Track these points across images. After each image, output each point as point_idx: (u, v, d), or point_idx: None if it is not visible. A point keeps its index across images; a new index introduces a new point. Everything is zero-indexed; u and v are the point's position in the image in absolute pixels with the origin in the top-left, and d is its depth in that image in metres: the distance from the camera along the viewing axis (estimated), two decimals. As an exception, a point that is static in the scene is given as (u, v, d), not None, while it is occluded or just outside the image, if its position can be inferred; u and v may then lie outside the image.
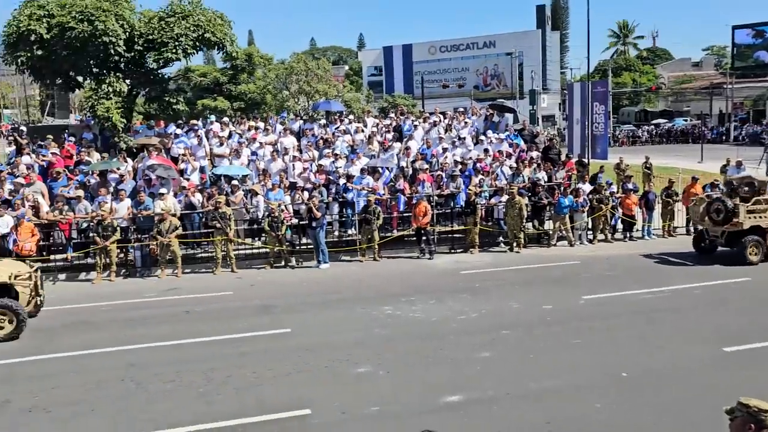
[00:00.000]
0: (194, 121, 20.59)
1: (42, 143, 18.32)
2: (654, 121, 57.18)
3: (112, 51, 18.43)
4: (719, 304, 11.41)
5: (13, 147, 19.03)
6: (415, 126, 20.65)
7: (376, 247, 15.55)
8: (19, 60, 18.57)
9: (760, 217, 14.50)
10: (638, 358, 8.88)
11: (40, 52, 18.24)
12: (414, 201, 15.87)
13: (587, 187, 17.47)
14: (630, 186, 17.96)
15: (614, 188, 18.13)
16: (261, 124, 20.61)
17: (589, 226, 17.13)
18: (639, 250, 16.21)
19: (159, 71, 20.77)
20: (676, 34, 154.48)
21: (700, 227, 15.60)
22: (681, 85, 68.57)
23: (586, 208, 16.85)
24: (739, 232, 14.47)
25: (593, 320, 10.57)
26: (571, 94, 25.71)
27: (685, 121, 56.76)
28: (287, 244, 15.41)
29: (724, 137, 49.10)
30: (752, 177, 16.02)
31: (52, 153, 17.47)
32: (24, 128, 22.30)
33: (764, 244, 14.34)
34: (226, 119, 21.42)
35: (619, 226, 17.59)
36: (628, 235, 17.47)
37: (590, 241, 17.03)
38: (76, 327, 10.99)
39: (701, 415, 6.91)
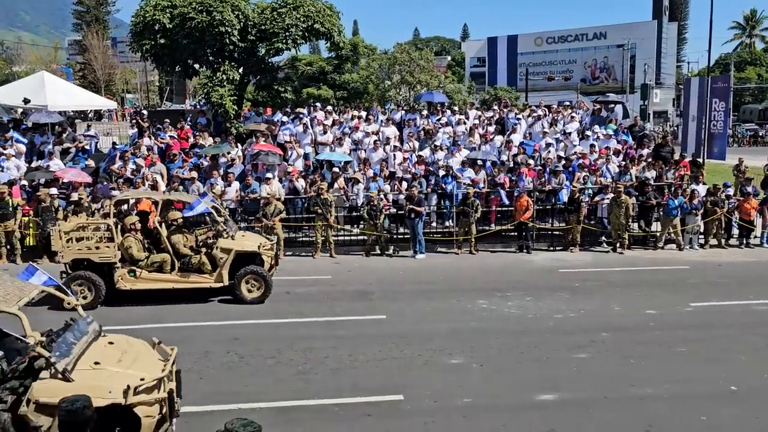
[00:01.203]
0: (300, 109, 21.30)
1: (161, 126, 19.60)
2: (780, 120, 52.76)
3: (228, 41, 19.37)
4: None
5: (135, 129, 20.50)
6: (519, 119, 20.26)
7: (473, 240, 15.47)
8: (144, 48, 19.90)
9: None
10: (749, 372, 8.35)
11: (162, 41, 19.47)
12: (515, 195, 15.62)
13: (702, 189, 16.47)
14: (749, 189, 16.75)
15: (731, 191, 16.98)
16: (363, 114, 20.97)
17: (702, 230, 16.16)
18: (756, 258, 15.14)
19: (269, 60, 21.62)
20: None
21: None
22: (814, 81, 62.76)
23: (700, 211, 15.90)
24: None
25: (701, 329, 10.03)
26: (688, 89, 24.31)
27: (817, 120, 51.95)
28: (385, 232, 15.66)
29: None
30: None
31: (169, 136, 18.67)
32: (145, 112, 23.91)
33: None
34: (329, 108, 21.97)
35: (735, 231, 16.47)
36: (744, 241, 16.32)
37: (701, 246, 16.07)
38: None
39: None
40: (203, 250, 11.45)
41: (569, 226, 15.75)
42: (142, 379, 5.65)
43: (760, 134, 47.84)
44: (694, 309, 11.10)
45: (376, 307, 11.30)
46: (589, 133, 19.02)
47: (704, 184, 17.25)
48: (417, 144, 18.59)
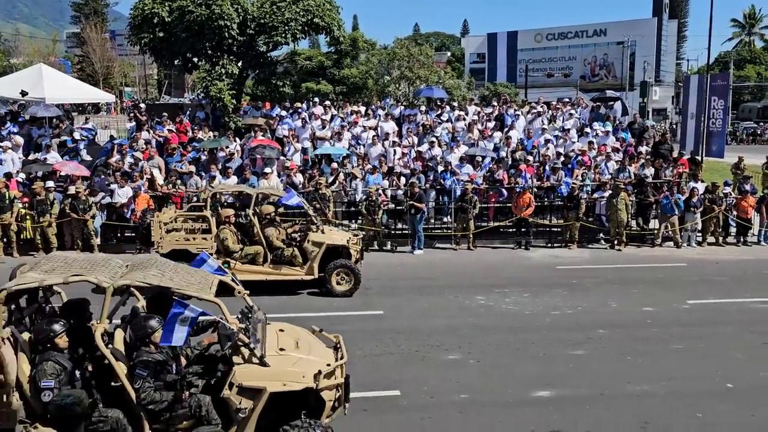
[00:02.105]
0: (298, 104, 21.26)
1: (159, 120, 19.55)
2: (779, 119, 52.75)
3: (227, 34, 19.32)
4: None
5: (134, 123, 20.46)
6: (518, 116, 20.24)
7: (471, 236, 15.47)
8: (142, 41, 19.83)
9: None
10: (746, 370, 8.37)
11: (161, 34, 19.40)
12: (518, 191, 15.60)
13: (701, 187, 16.48)
14: (747, 187, 16.76)
15: (729, 189, 16.99)
16: (362, 109, 20.95)
17: (699, 227, 16.18)
18: (754, 256, 15.16)
19: (268, 54, 21.56)
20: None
21: None
22: (813, 80, 62.77)
23: (699, 209, 15.90)
24: None
25: (698, 326, 10.04)
26: (687, 87, 24.28)
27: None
28: (383, 228, 15.65)
29: None
30: None
31: (168, 129, 18.63)
32: (143, 105, 23.84)
33: None
34: (328, 102, 21.94)
35: (733, 229, 16.48)
36: (742, 239, 16.34)
37: (699, 244, 16.09)
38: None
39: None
40: (294, 243, 11.71)
41: (568, 223, 15.76)
42: (328, 365, 5.80)
43: (759, 132, 47.88)
44: (691, 306, 11.11)
45: (374, 302, 11.30)
46: (588, 130, 19.01)
47: (703, 181, 17.28)
48: (416, 139, 18.56)
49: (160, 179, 15.91)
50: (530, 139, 18.46)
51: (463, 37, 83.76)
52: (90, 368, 5.56)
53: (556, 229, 16.27)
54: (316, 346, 6.24)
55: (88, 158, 17.55)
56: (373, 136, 18.12)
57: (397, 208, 15.94)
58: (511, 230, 15.98)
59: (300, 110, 19.84)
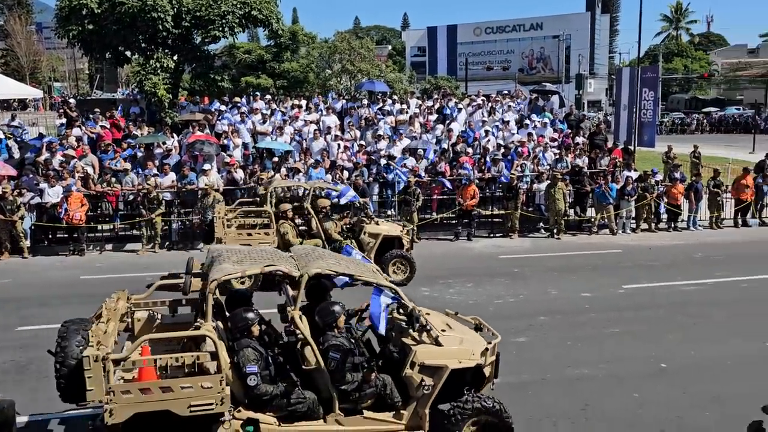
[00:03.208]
0: (238, 98, 20.85)
1: (91, 116, 18.81)
2: (705, 110, 55.33)
3: (161, 27, 18.72)
4: (764, 299, 11.09)
5: (64, 119, 19.61)
6: (459, 108, 20.48)
7: (415, 228, 15.57)
8: (70, 33, 19.00)
9: None
10: (678, 350, 8.74)
11: (90, 27, 18.65)
12: (463, 183, 15.77)
13: (634, 175, 17.10)
14: (677, 175, 17.51)
15: (660, 177, 17.69)
16: (303, 103, 20.74)
17: (633, 214, 16.79)
18: (683, 241, 15.85)
19: (205, 48, 21.04)
20: (732, 19, 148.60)
21: None
22: (735, 72, 66.00)
23: (633, 197, 16.50)
24: None
25: (633, 310, 10.42)
26: (620, 79, 25.09)
27: (738, 109, 54.75)
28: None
29: (779, 128, 47.22)
30: None
31: (100, 126, 17.95)
32: (73, 101, 22.88)
33: None
34: (268, 97, 21.62)
35: (664, 216, 17.19)
36: (672, 225, 17.07)
37: (633, 230, 16.71)
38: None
39: (741, 409, 6.78)
40: (351, 235, 11.97)
41: (508, 213, 16.07)
42: (489, 343, 6.10)
43: (687, 123, 50.07)
44: (626, 291, 11.53)
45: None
46: (527, 121, 19.43)
47: (636, 170, 17.93)
48: (358, 133, 18.53)
49: (94, 177, 15.32)
50: (471, 131, 18.71)
51: (404, 30, 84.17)
52: (279, 354, 5.82)
53: (497, 220, 16.57)
54: (462, 327, 6.49)
55: (16, 156, 16.74)
56: (315, 130, 17.98)
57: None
58: (454, 222, 16.17)
59: (239, 105, 19.46)
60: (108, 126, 18.02)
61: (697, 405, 7.17)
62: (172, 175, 15.41)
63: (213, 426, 5.17)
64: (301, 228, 12.13)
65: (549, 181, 16.09)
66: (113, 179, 15.19)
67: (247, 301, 6.22)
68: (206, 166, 15.36)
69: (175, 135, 17.64)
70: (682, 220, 17.22)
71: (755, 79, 59.46)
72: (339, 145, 17.45)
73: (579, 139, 19.13)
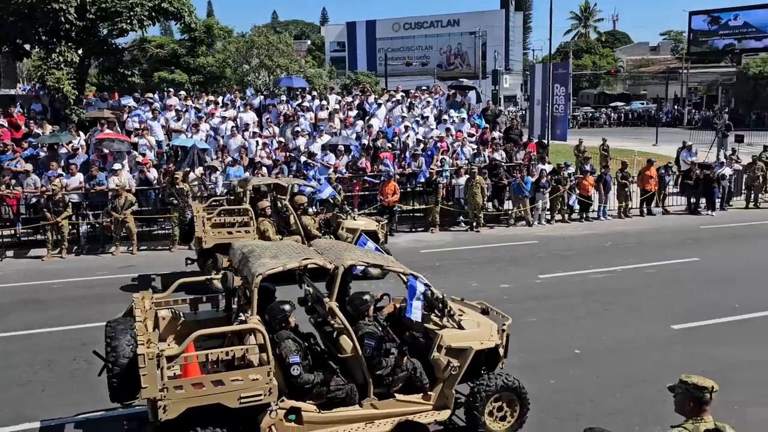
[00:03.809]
0: (150, 95, 20.03)
1: (-12, 114, 17.55)
2: (612, 104, 58.18)
3: (63, 19, 17.65)
4: (669, 284, 11.75)
5: (-43, 117, 18.17)
6: (378, 104, 20.53)
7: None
8: (-38, 26, 17.65)
9: None
10: (590, 336, 9.11)
11: (-16, 18, 17.39)
12: (382, 179, 15.80)
13: (548, 168, 17.71)
14: (587, 168, 18.28)
15: (572, 169, 18.42)
16: (219, 99, 20.18)
17: (548, 206, 17.41)
18: (594, 231, 16.57)
19: (113, 41, 20.05)
20: (636, 18, 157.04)
21: None
22: (639, 68, 69.83)
23: (547, 189, 17.09)
24: None
25: (548, 299, 10.78)
26: (533, 75, 25.96)
27: (642, 104, 57.91)
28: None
29: (678, 121, 50.33)
30: None
31: (-2, 124, 16.77)
32: (-32, 98, 21.27)
33: None
34: (183, 93, 20.89)
35: (576, 206, 17.92)
36: (584, 215, 17.82)
37: (548, 222, 17.31)
38: (26, 305, 10.67)
39: (651, 391, 7.15)
40: (329, 230, 11.99)
41: (428, 207, 16.27)
42: (504, 324, 6.56)
43: (596, 117, 52.50)
44: (542, 281, 11.92)
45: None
46: (445, 117, 19.72)
47: (549, 163, 18.58)
48: (277, 130, 18.22)
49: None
50: (391, 127, 18.81)
51: (323, 25, 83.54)
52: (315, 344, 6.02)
53: (418, 215, 16.75)
54: (472, 311, 6.86)
55: None
56: (232, 127, 17.53)
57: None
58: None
59: (152, 101, 18.69)
60: (6, 124, 16.86)
61: (609, 388, 7.49)
62: (79, 176, 14.62)
63: (258, 416, 5.30)
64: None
65: (468, 176, 16.41)
66: (13, 181, 14.23)
67: (272, 295, 6.30)
68: (116, 166, 14.67)
69: (81, 133, 16.73)
70: (593, 211, 18.01)
71: (657, 75, 63.05)
72: (257, 142, 17.10)
73: (495, 134, 19.61)
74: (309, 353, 5.79)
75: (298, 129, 17.77)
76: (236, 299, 6.40)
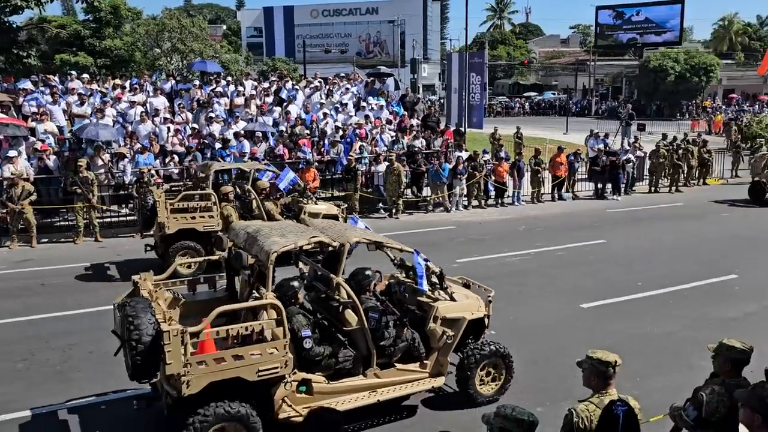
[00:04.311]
0: (51, 77, 18.80)
1: None
2: (526, 94, 60.07)
3: (-52, -7, 16.26)
4: (578, 265, 12.26)
5: None
6: (296, 90, 20.19)
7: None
8: None
9: None
10: (505, 316, 9.32)
11: None
12: (301, 167, 15.55)
13: (465, 155, 18.03)
14: (502, 154, 18.76)
15: (488, 157, 18.85)
16: (127, 83, 19.21)
17: (465, 192, 17.73)
18: (509, 216, 17.05)
19: (6, 20, 18.63)
20: (547, 11, 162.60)
21: (758, 179, 18.61)
22: (550, 60, 72.39)
23: (464, 176, 17.40)
24: None
25: (466, 282, 10.97)
26: (450, 64, 26.35)
27: (554, 94, 60.12)
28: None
29: (586, 111, 52.61)
30: None
31: None
32: None
33: None
34: (86, 76, 19.74)
35: (492, 192, 18.36)
36: (499, 201, 18.29)
37: (465, 207, 17.65)
38: None
39: (560, 367, 7.41)
40: (291, 215, 11.87)
41: (347, 194, 16.20)
42: (490, 296, 6.99)
43: (511, 106, 54.05)
44: (459, 265, 12.10)
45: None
46: (364, 104, 19.66)
47: (466, 150, 18.94)
48: (190, 116, 17.57)
49: None
50: (309, 113, 18.55)
51: (239, 10, 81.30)
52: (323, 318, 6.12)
53: (338, 202, 16.61)
54: (456, 285, 7.20)
55: None
56: (142, 112, 16.74)
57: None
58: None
59: (52, 84, 17.53)
60: None
61: (521, 365, 7.66)
62: (-31, 164, 13.54)
63: (272, 389, 5.53)
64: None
65: (386, 163, 16.45)
66: None
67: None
68: (12, 153, 13.66)
69: (-28, 118, 15.46)
70: (508, 196, 18.53)
71: (567, 67, 65.56)
72: (169, 128, 16.42)
73: (414, 121, 19.76)
74: (316, 327, 5.96)
75: (213, 115, 17.19)
76: (248, 277, 6.49)
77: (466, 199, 17.80)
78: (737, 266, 11.88)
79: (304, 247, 6.13)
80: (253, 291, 6.24)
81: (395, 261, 7.26)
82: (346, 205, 13.85)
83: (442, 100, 45.21)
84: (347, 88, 21.01)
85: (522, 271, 11.73)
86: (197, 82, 20.36)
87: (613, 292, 10.46)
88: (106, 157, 14.74)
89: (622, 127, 28.70)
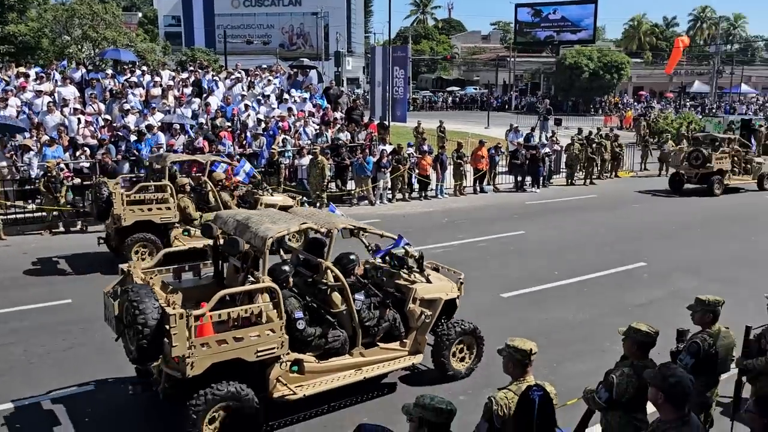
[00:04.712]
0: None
1: None
2: (448, 89, 61.07)
3: None
4: (499, 256, 12.59)
5: None
6: (216, 82, 19.64)
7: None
8: None
9: (721, 160, 19.81)
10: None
11: None
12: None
13: (389, 149, 18.11)
14: (425, 148, 18.98)
15: (411, 150, 19.03)
16: (32, 71, 18.08)
17: (389, 185, 17.83)
18: (433, 208, 17.29)
19: None
20: (469, 7, 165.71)
21: (676, 170, 20.18)
22: (472, 56, 73.93)
23: (388, 169, 17.48)
24: (709, 173, 19.41)
25: (390, 275, 11.03)
26: (374, 57, 26.37)
27: (475, 89, 61.47)
28: (69, 206, 13.86)
29: (507, 106, 54.11)
30: (715, 135, 21.51)
31: None
32: None
33: (722, 182, 19.53)
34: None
35: (416, 185, 18.55)
36: (423, 194, 18.51)
37: (389, 200, 17.76)
38: None
39: (483, 355, 7.56)
40: (247, 206, 11.62)
41: (271, 188, 15.89)
42: (459, 280, 7.41)
43: (434, 100, 54.81)
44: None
45: (61, 291, 9.99)
46: (286, 96, 19.38)
47: (390, 144, 19.03)
48: (103, 106, 16.76)
49: None
50: (230, 105, 18.10)
51: (156, -3, 78.19)
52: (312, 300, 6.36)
53: (292, 194, 16.34)
54: (427, 268, 7.48)
55: None
56: (49, 102, 15.81)
57: (85, 183, 14.25)
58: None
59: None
60: None
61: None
62: None
63: (267, 370, 5.76)
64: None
65: (310, 156, 16.29)
66: None
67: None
68: None
69: None
70: (431, 189, 18.78)
71: (488, 63, 67.18)
72: (80, 119, 15.60)
73: (337, 114, 19.67)
74: (306, 310, 6.19)
75: (127, 106, 16.46)
76: (241, 263, 6.55)
77: (390, 192, 17.90)
78: (646, 254, 12.55)
79: (294, 233, 6.42)
80: (248, 276, 6.43)
81: (369, 247, 7.53)
82: (301, 198, 13.91)
83: (366, 94, 45.26)
84: (269, 80, 20.64)
85: (445, 263, 11.84)
86: (110, 72, 19.42)
87: (532, 281, 10.81)
88: (8, 147, 13.83)
89: (540, 121, 29.70)
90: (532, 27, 57.73)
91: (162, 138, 15.35)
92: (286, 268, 6.28)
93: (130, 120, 16.06)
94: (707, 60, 66.97)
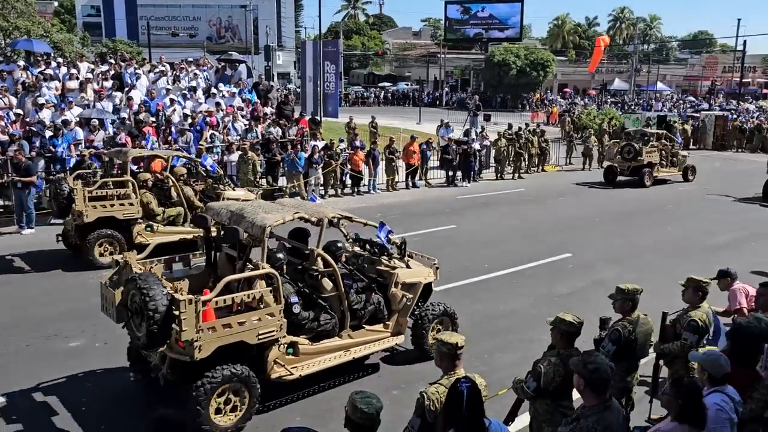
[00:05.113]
0: None
1: None
2: (380, 84, 61.23)
3: None
4: (431, 250, 12.58)
5: None
6: (138, 75, 18.87)
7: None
8: None
9: (651, 154, 20.68)
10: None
11: None
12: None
13: (321, 144, 17.94)
14: (358, 143, 18.93)
15: (344, 145, 18.94)
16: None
17: (322, 181, 17.68)
18: (366, 204, 17.26)
19: None
20: (400, 3, 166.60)
21: (610, 163, 21.13)
22: (403, 52, 74.38)
23: (320, 165, 17.32)
24: (640, 166, 20.29)
25: (323, 272, 10.93)
26: (305, 52, 26.07)
27: (407, 85, 61.89)
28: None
29: (438, 102, 54.78)
30: (645, 130, 22.68)
31: None
32: None
33: (652, 174, 20.50)
34: None
35: (348, 181, 18.47)
36: (356, 189, 18.46)
37: (322, 196, 17.61)
38: None
39: (413, 350, 7.59)
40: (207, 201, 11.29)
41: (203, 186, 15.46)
42: (434, 265, 7.81)
43: (366, 95, 54.83)
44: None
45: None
46: (214, 91, 18.87)
47: (322, 139, 18.87)
48: (14, 100, 15.79)
49: None
50: (154, 99, 17.45)
51: (74, -14, 74.53)
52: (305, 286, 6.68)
53: (251, 188, 15.88)
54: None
55: None
56: (-46, 95, 14.77)
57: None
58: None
59: None
60: None
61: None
62: None
63: (265, 352, 6.09)
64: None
65: (240, 152, 15.93)
66: None
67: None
68: None
69: None
70: (364, 185, 18.75)
71: (419, 59, 67.76)
72: (-14, 114, 14.65)
73: (268, 110, 19.33)
74: (299, 295, 6.46)
75: (42, 100, 15.58)
76: (237, 253, 6.68)
77: (322, 188, 17.75)
78: (571, 246, 12.96)
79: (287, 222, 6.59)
80: (247, 263, 6.61)
81: (348, 236, 7.90)
82: (261, 191, 14.04)
83: (298, 89, 44.76)
84: (196, 74, 20.03)
85: (378, 258, 11.89)
86: (22, 63, 18.33)
87: (463, 274, 10.95)
88: None
89: (470, 117, 30.19)
90: (462, 24, 58.59)
91: (80, 134, 14.62)
92: (281, 255, 6.57)
93: (45, 115, 15.22)
94: (626, 59, 70.09)
